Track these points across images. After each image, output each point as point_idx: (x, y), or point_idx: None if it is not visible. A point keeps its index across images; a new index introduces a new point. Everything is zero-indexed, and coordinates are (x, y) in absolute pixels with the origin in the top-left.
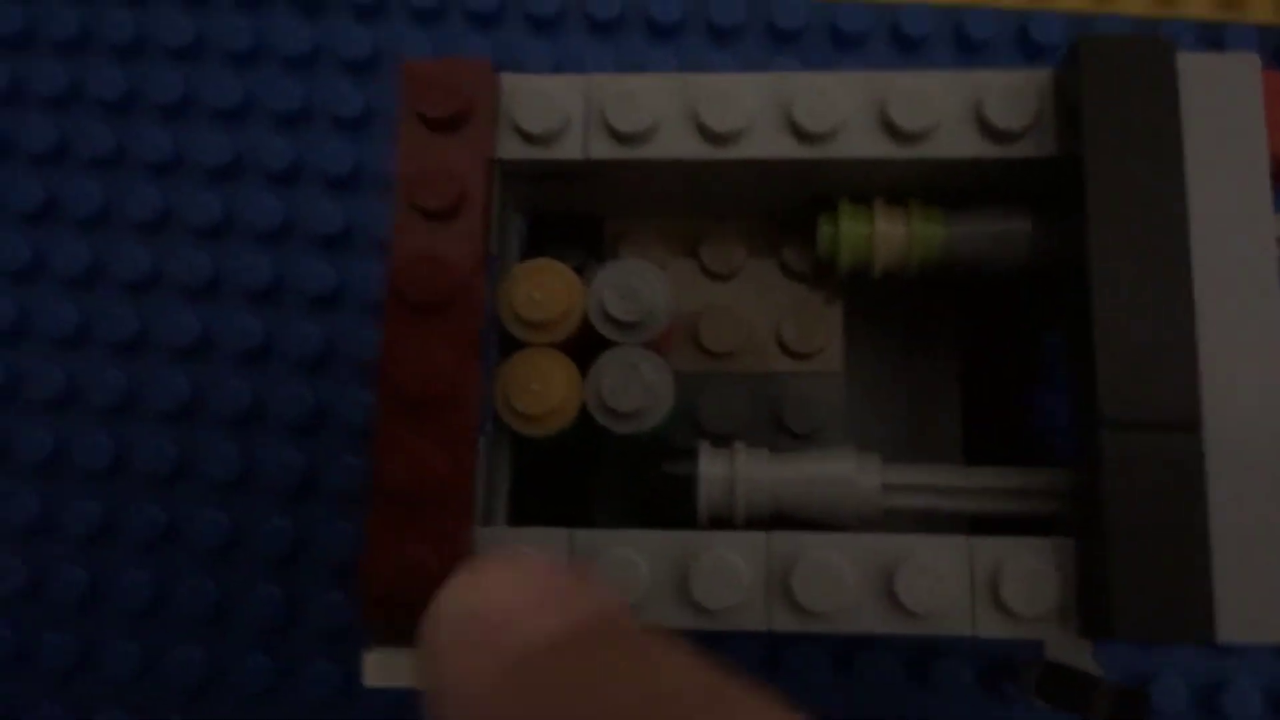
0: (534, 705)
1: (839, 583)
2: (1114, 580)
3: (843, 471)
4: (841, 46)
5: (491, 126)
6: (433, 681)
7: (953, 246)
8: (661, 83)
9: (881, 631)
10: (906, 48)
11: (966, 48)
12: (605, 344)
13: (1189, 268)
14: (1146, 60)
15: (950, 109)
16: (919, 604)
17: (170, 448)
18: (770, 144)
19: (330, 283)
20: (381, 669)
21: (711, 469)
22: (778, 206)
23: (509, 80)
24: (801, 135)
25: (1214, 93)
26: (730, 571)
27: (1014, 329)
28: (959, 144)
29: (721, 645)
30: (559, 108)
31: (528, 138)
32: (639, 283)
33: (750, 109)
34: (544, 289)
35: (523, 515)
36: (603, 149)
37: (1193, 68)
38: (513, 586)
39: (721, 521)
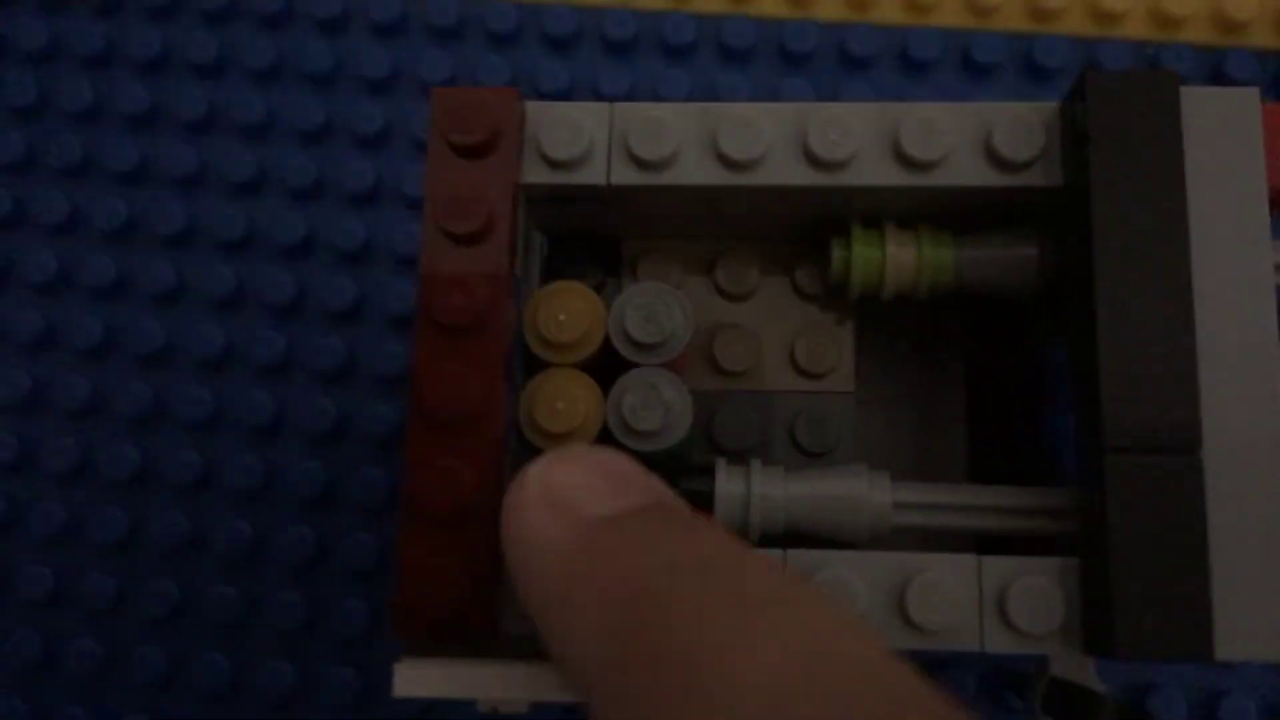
0: (598, 561)
1: (852, 599)
2: (1116, 599)
3: (855, 489)
4: (850, 69)
5: (517, 153)
6: (514, 545)
7: (961, 270)
8: (682, 111)
9: (892, 648)
10: (914, 70)
11: (973, 71)
12: (626, 364)
13: (1190, 295)
14: (1150, 94)
15: (960, 139)
16: (930, 620)
17: (194, 458)
18: (787, 171)
19: (352, 297)
20: (411, 680)
21: (728, 486)
22: (792, 230)
23: (534, 108)
24: (817, 163)
25: (1215, 125)
26: None
27: (1020, 351)
28: (968, 173)
29: None
30: (583, 135)
31: (552, 164)
32: (660, 306)
33: (768, 137)
34: (568, 311)
35: None
36: (625, 175)
37: (1195, 100)
38: (587, 472)
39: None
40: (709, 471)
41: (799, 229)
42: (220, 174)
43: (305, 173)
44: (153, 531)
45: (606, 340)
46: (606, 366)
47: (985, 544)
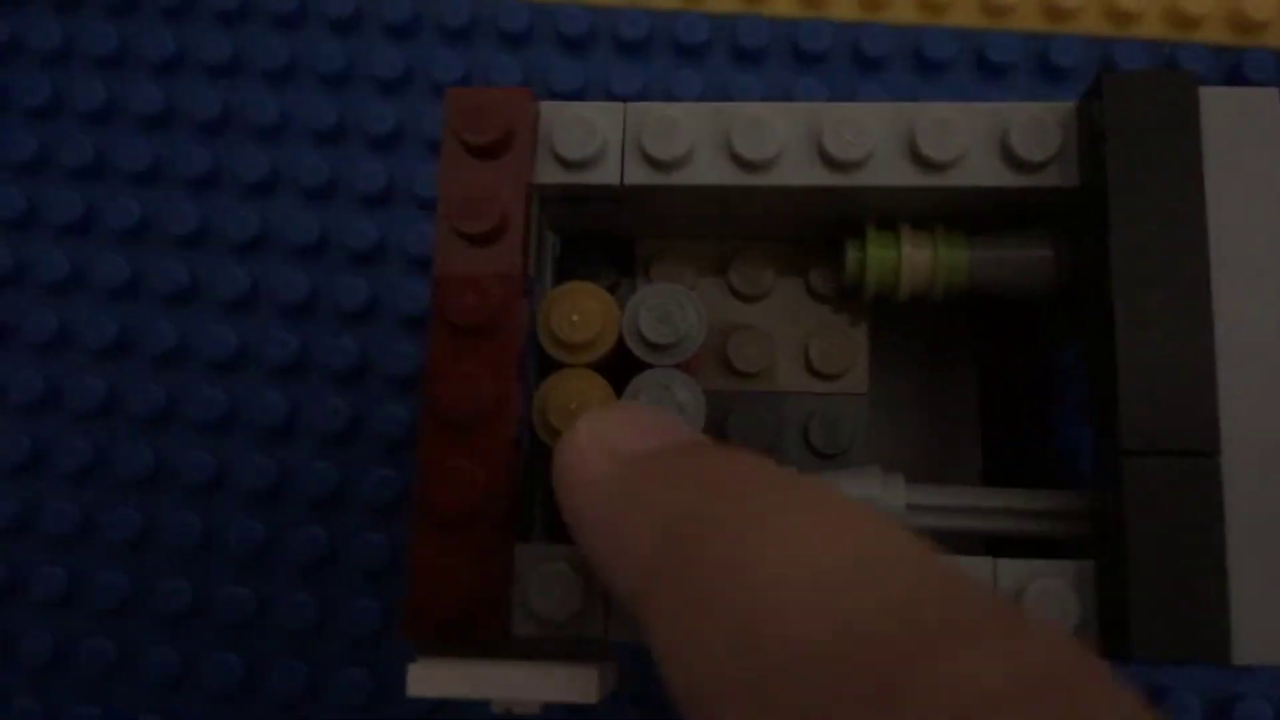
0: (640, 488)
1: None
2: (1132, 602)
3: (869, 491)
4: (864, 69)
5: (531, 153)
6: (563, 485)
7: (976, 271)
8: (696, 111)
9: None
10: (928, 70)
11: (988, 71)
12: (639, 365)
13: (1209, 296)
14: (1168, 94)
15: (975, 139)
16: None
17: (207, 458)
18: (801, 172)
19: (365, 297)
20: (424, 680)
21: None
22: (806, 230)
23: (548, 108)
24: (832, 163)
25: (1234, 125)
26: None
27: (1033, 353)
28: (983, 173)
29: None
30: (596, 135)
31: (565, 164)
32: (673, 307)
33: (782, 137)
34: (582, 312)
35: (561, 533)
36: (638, 175)
37: (1213, 100)
38: (629, 419)
39: None
40: None
41: (813, 230)
42: (233, 174)
43: (318, 173)
44: (165, 531)
45: (620, 341)
46: (620, 367)
47: (996, 546)
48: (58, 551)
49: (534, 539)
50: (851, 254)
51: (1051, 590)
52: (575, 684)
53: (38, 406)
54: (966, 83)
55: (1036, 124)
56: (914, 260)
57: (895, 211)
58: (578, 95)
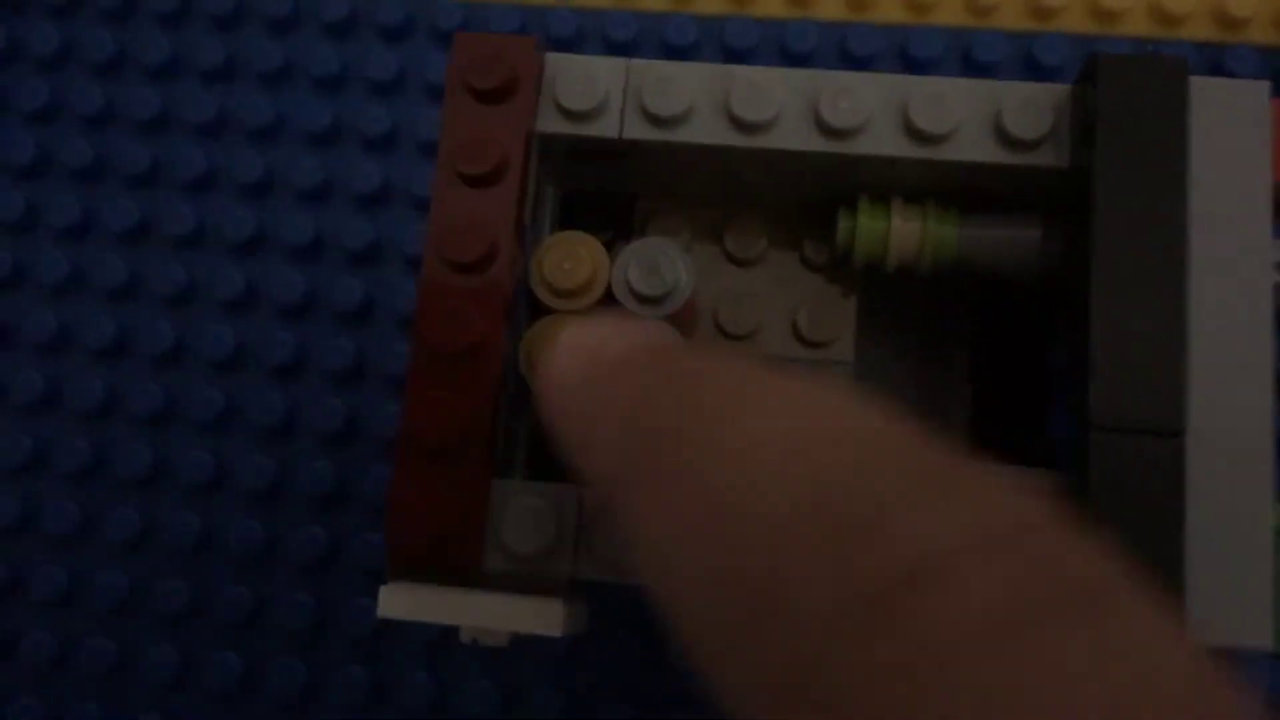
0: (613, 382)
1: None
2: None
3: None
4: (852, 68)
5: (533, 101)
6: (545, 392)
7: (964, 248)
8: (697, 71)
9: None
10: (915, 69)
11: (974, 69)
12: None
13: (1185, 282)
14: (1160, 80)
15: (970, 115)
16: None
17: (206, 458)
18: (797, 137)
19: (361, 297)
20: (394, 602)
21: None
22: (801, 198)
23: (553, 59)
24: (827, 130)
25: (1222, 116)
26: None
27: (1025, 331)
28: (976, 149)
29: None
30: (599, 87)
31: (567, 114)
32: (662, 259)
33: (780, 102)
34: (573, 259)
35: (539, 471)
36: (637, 130)
37: (1204, 90)
38: (604, 327)
39: None
40: None
41: (808, 199)
42: (230, 176)
43: (314, 175)
44: (164, 531)
45: (610, 291)
46: None
47: None
48: (58, 551)
49: (514, 475)
50: (843, 223)
51: None
52: (541, 616)
53: (38, 407)
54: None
55: (1030, 103)
56: (903, 232)
57: (889, 184)
58: None
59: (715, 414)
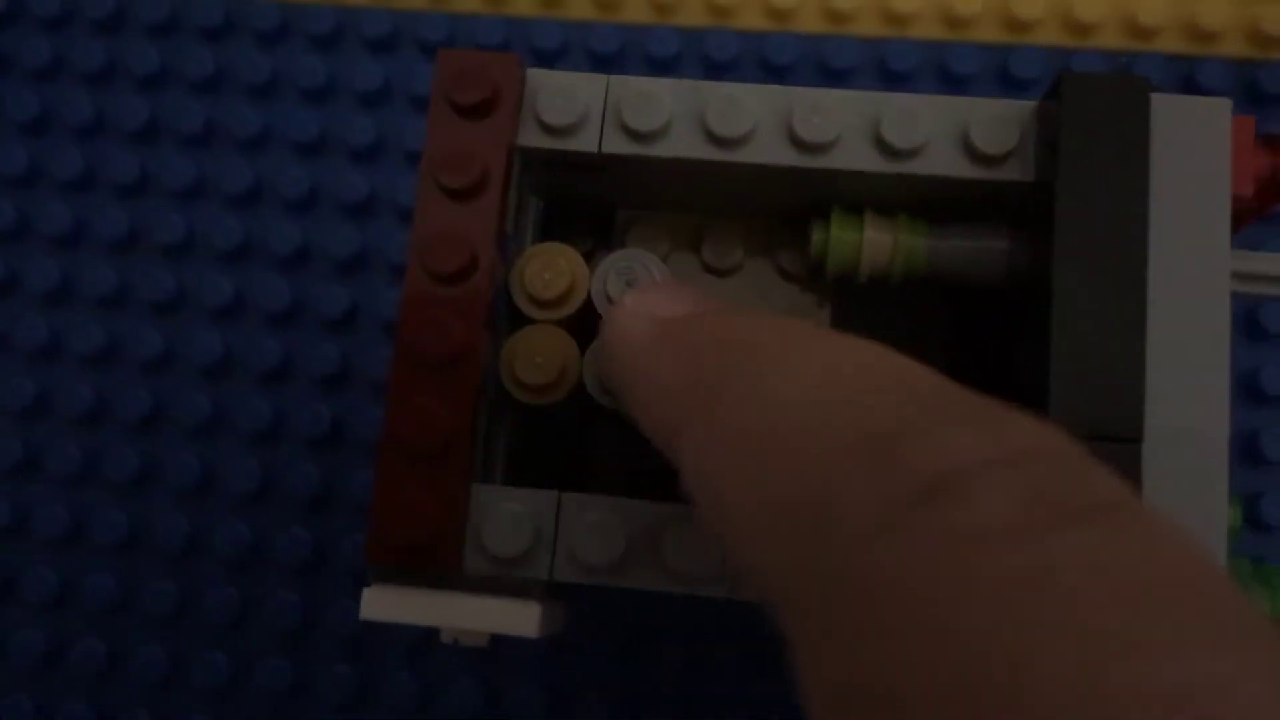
0: (671, 340)
1: None
2: None
3: None
4: (830, 81)
5: (515, 116)
6: (608, 348)
7: (935, 257)
8: (674, 87)
9: None
10: (892, 82)
11: (950, 82)
12: None
13: (1144, 293)
14: (1123, 98)
15: (939, 130)
16: None
17: (194, 462)
18: (771, 151)
19: (347, 305)
20: (376, 604)
21: None
22: (776, 210)
23: (534, 75)
24: (800, 145)
25: (1184, 132)
26: (702, 540)
27: (995, 339)
28: (945, 163)
29: (693, 612)
30: (579, 103)
31: (547, 129)
32: (639, 269)
33: (755, 117)
34: (553, 270)
35: (518, 477)
36: (616, 144)
37: (1166, 108)
38: (665, 292)
39: None
40: None
41: (784, 210)
42: (218, 186)
43: (301, 184)
44: (154, 533)
45: (589, 301)
46: (587, 326)
47: None
48: (49, 553)
49: (494, 480)
50: (816, 234)
51: None
52: (517, 617)
53: (29, 412)
54: (929, 93)
55: (997, 120)
56: (875, 243)
57: (862, 197)
58: None
59: (763, 361)
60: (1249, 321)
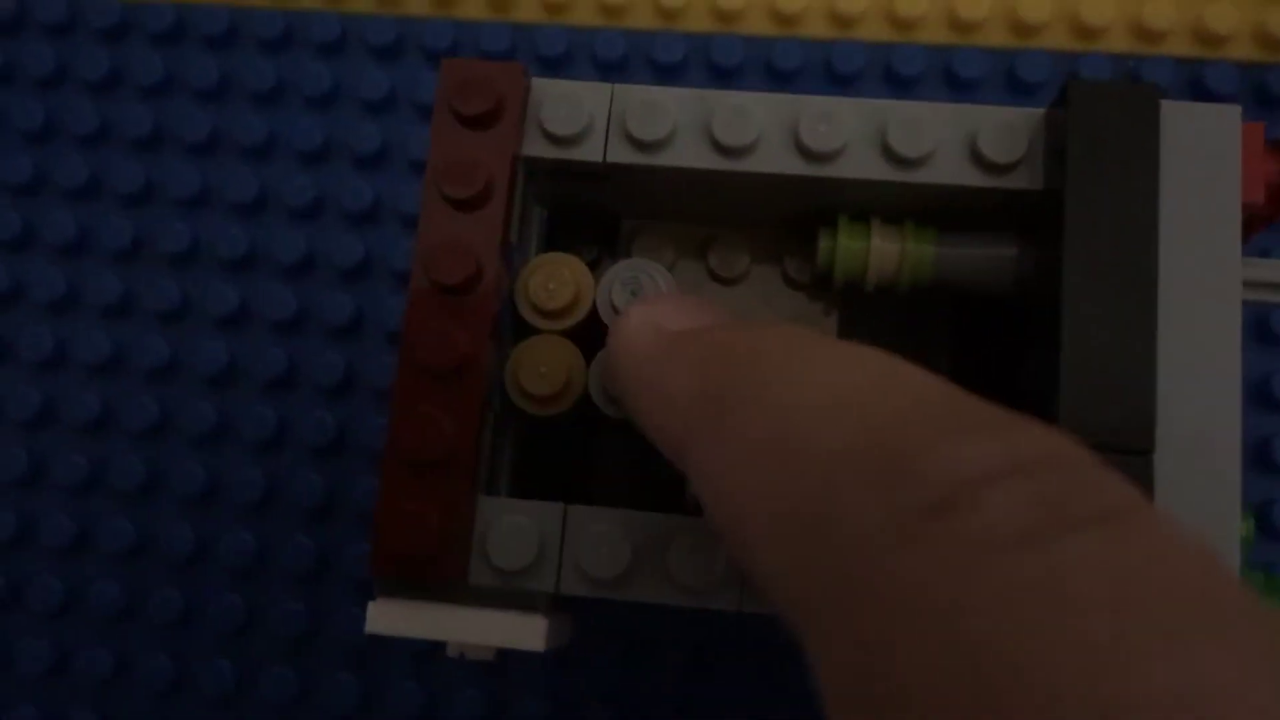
0: (677, 353)
1: None
2: None
3: None
4: (836, 86)
5: (519, 126)
6: (616, 359)
7: (942, 266)
8: (680, 96)
9: None
10: (898, 86)
11: (956, 86)
12: None
13: (1154, 302)
14: (1132, 106)
15: (946, 139)
16: None
17: (199, 470)
18: (777, 160)
19: (351, 313)
20: (382, 618)
21: None
22: (783, 218)
23: (538, 84)
24: (806, 154)
25: (1194, 140)
26: (708, 554)
27: (1002, 348)
28: (952, 172)
29: (698, 624)
30: (583, 112)
31: (552, 138)
32: (645, 279)
33: (761, 126)
34: (558, 280)
35: (523, 489)
36: (621, 154)
37: (1175, 114)
38: (672, 304)
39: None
40: None
41: (790, 218)
42: (223, 194)
43: (305, 192)
44: (159, 542)
45: (594, 310)
46: (593, 336)
47: None
48: (54, 563)
49: (498, 492)
50: (823, 243)
51: None
52: (523, 631)
53: (35, 422)
54: (935, 98)
55: (1005, 127)
56: (882, 252)
57: (868, 205)
58: None
59: (771, 371)
60: (1260, 328)
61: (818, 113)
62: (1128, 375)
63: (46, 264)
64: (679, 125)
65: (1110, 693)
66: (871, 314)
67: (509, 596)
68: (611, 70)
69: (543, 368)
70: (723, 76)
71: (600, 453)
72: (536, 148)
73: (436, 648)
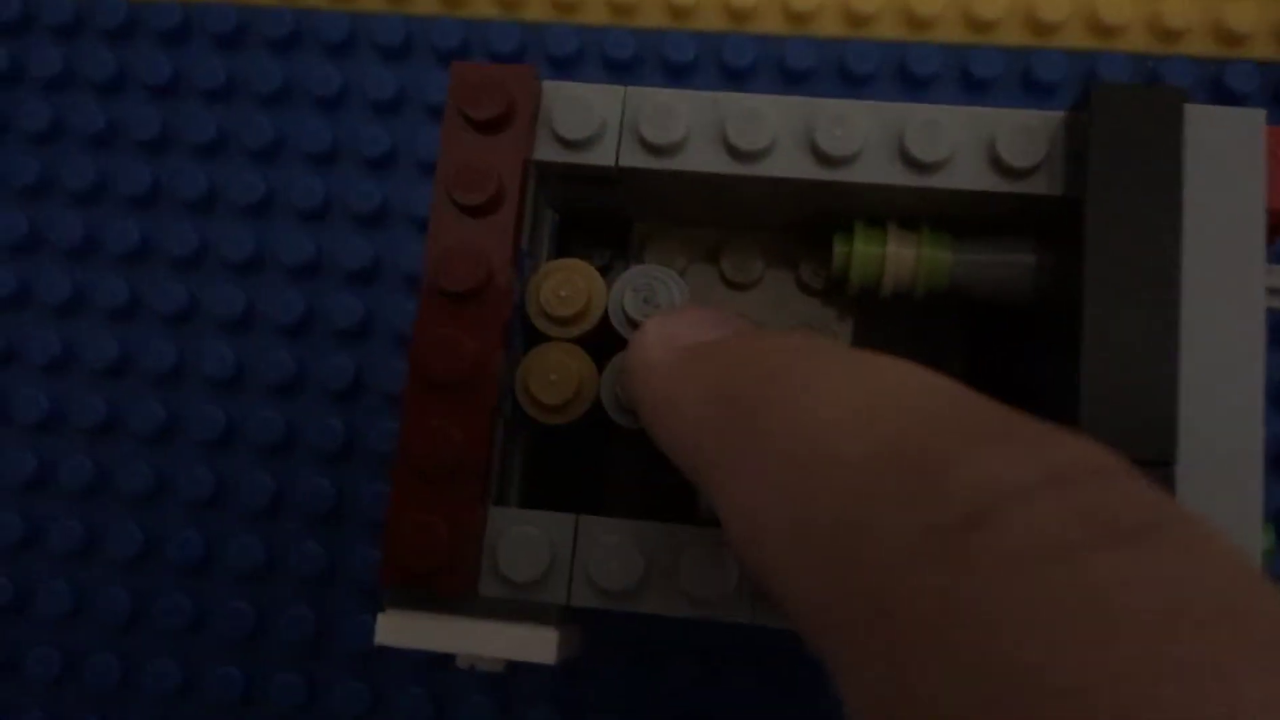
0: (694, 368)
1: None
2: None
3: None
4: (850, 85)
5: (530, 130)
6: (632, 374)
7: (959, 273)
8: (693, 99)
9: None
10: (914, 86)
11: (972, 86)
12: (623, 342)
13: (1177, 309)
14: (1154, 109)
15: (964, 143)
16: None
17: (207, 475)
18: (792, 164)
19: (360, 316)
20: (391, 630)
21: None
22: (797, 223)
23: (549, 87)
24: (822, 158)
25: (1217, 144)
26: (721, 566)
27: (1016, 355)
28: (970, 177)
29: (706, 632)
30: (595, 116)
31: (564, 143)
32: (658, 286)
33: (775, 130)
34: (570, 286)
35: (534, 499)
36: (633, 158)
37: (1198, 118)
38: (688, 317)
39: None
40: None
41: (805, 222)
42: (230, 196)
43: (313, 194)
44: (167, 547)
45: (605, 317)
46: (604, 344)
47: None
48: (62, 567)
49: (509, 503)
50: (838, 248)
51: None
52: (535, 644)
53: (42, 426)
54: (951, 98)
55: (1024, 131)
56: (898, 258)
57: (884, 209)
58: None
59: (793, 383)
60: None
61: (833, 116)
62: (1149, 385)
63: (53, 266)
64: (692, 129)
65: (1157, 711)
66: (886, 320)
67: (519, 608)
68: (622, 70)
69: (553, 375)
70: (734, 76)
71: (612, 461)
72: (548, 152)
73: (445, 655)
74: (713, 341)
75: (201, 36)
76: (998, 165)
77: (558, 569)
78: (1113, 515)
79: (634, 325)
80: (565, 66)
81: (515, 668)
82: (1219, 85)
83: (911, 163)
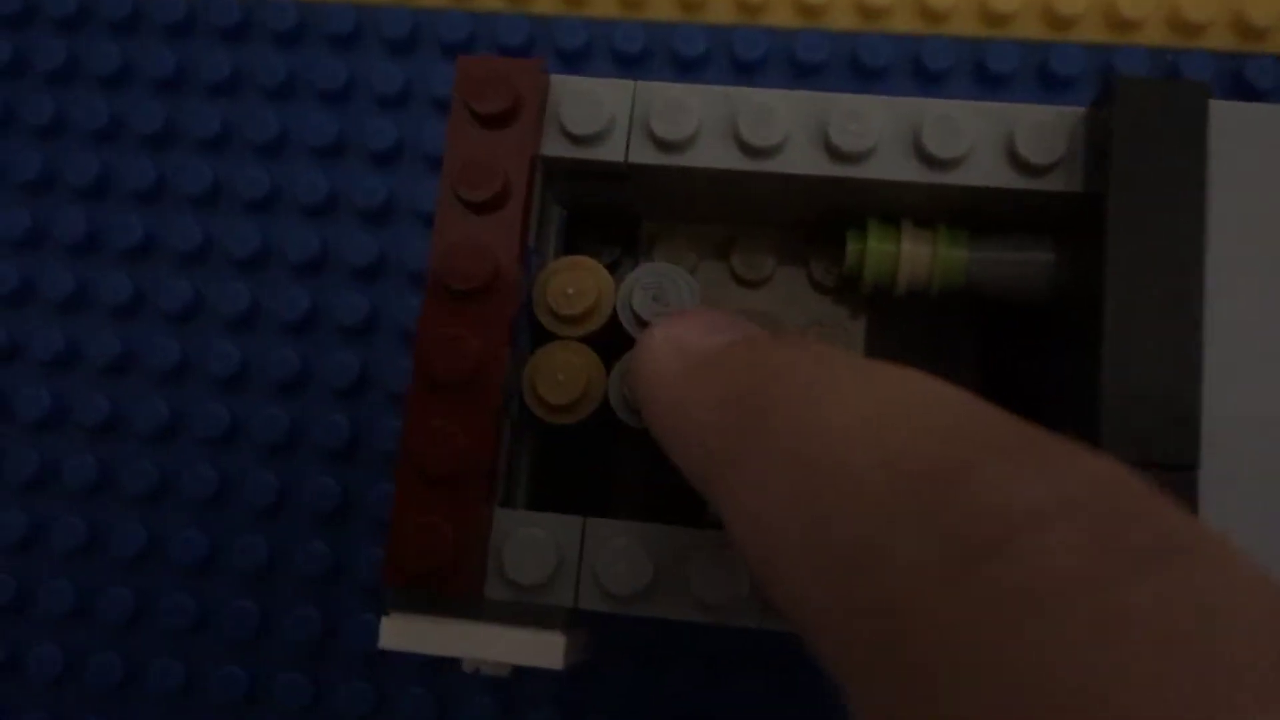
0: (703, 375)
1: None
2: None
3: None
4: (863, 79)
5: (538, 125)
6: (640, 381)
7: (975, 271)
8: (704, 94)
9: None
10: (928, 80)
11: (987, 80)
12: (631, 341)
13: (1200, 309)
14: (1178, 105)
15: (981, 139)
16: None
17: (210, 473)
18: (805, 161)
19: (366, 313)
20: (395, 633)
21: None
22: (809, 219)
23: (557, 81)
24: (835, 154)
25: (1243, 140)
26: (730, 570)
27: (1034, 356)
28: (987, 173)
29: (716, 636)
30: (604, 111)
31: (572, 138)
32: (668, 285)
33: (788, 126)
34: (577, 285)
35: (541, 500)
36: (643, 154)
37: (1222, 114)
38: (696, 321)
39: None
40: None
41: (817, 219)
42: (235, 191)
43: (318, 189)
44: (171, 546)
45: (614, 316)
46: (613, 343)
47: None
48: (65, 566)
49: (515, 505)
50: (852, 245)
51: None
52: (541, 649)
53: (45, 423)
54: (966, 92)
55: (1043, 127)
56: (913, 256)
57: (899, 206)
58: None
59: (806, 394)
60: None
61: (847, 111)
62: (1172, 387)
63: (56, 263)
64: (703, 124)
65: None
66: (900, 318)
67: (526, 612)
68: (631, 63)
69: (561, 375)
70: (745, 70)
71: (620, 462)
72: (556, 147)
73: (450, 658)
74: (721, 347)
75: (206, 29)
76: (1016, 161)
77: (565, 572)
78: (1135, 540)
79: (643, 324)
80: (574, 60)
81: (519, 670)
82: (1239, 80)
83: (927, 159)
